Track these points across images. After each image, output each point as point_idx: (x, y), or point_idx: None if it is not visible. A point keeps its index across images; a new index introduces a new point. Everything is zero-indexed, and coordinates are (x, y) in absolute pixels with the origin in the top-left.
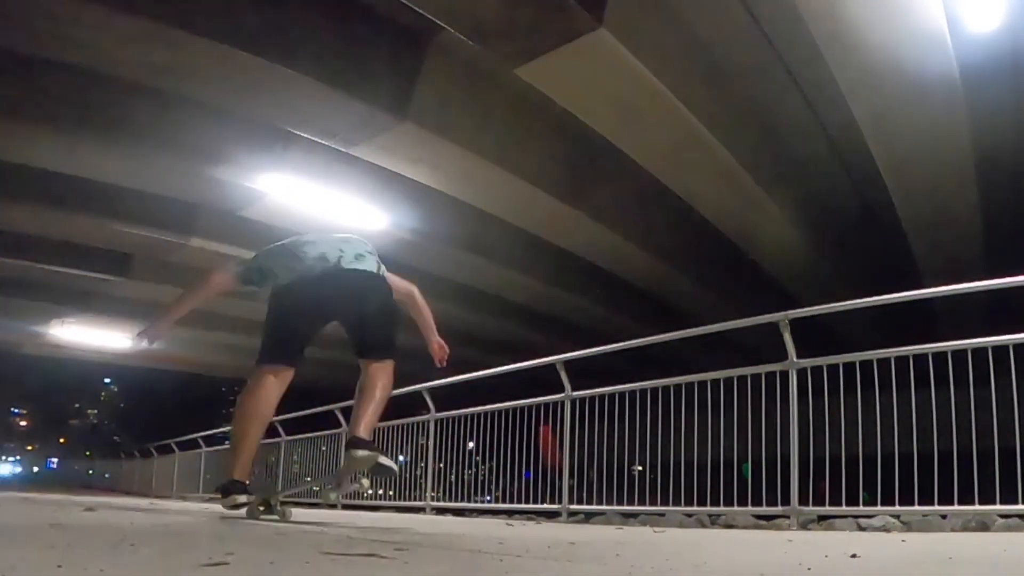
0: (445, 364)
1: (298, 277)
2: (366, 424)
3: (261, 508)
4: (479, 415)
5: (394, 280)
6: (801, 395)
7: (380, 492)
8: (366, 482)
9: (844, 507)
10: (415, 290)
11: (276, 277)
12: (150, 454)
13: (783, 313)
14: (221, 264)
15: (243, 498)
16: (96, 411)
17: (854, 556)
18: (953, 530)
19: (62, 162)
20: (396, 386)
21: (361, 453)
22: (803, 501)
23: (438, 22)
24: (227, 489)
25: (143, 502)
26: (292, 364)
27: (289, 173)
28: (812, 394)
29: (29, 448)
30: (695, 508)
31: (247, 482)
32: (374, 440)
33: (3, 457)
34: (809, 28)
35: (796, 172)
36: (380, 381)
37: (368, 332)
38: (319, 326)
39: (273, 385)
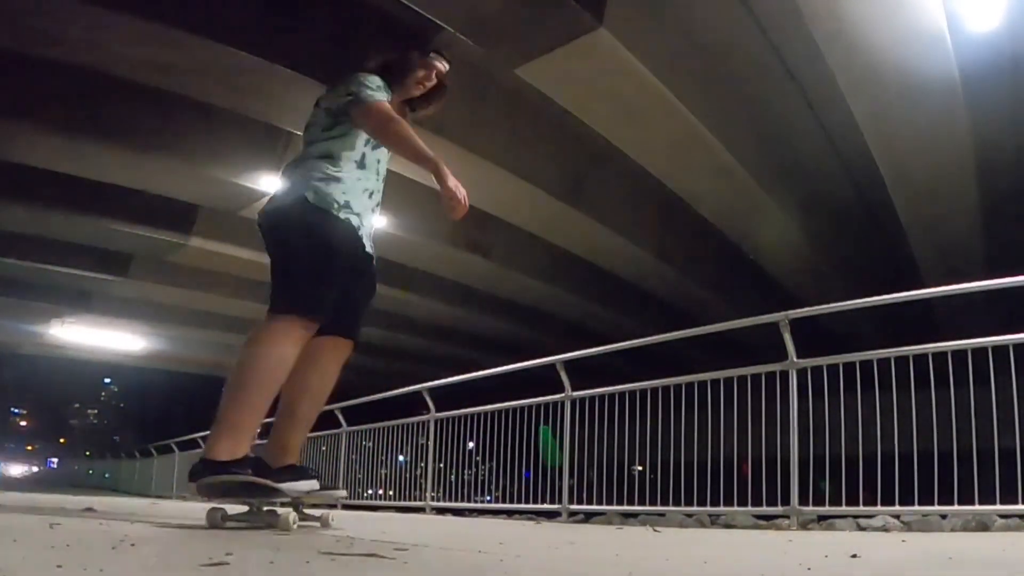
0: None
1: None
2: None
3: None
4: (479, 415)
5: None
6: (801, 395)
7: (380, 492)
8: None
9: (844, 507)
10: None
11: None
12: (150, 454)
13: (783, 313)
14: None
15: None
16: (96, 411)
17: (854, 556)
18: (953, 530)
19: (62, 162)
20: (395, 386)
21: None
22: (803, 501)
23: (438, 22)
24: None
25: (143, 502)
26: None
27: None
28: (812, 394)
29: (29, 448)
30: (695, 508)
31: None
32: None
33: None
34: (809, 28)
35: (796, 172)
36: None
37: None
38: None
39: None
